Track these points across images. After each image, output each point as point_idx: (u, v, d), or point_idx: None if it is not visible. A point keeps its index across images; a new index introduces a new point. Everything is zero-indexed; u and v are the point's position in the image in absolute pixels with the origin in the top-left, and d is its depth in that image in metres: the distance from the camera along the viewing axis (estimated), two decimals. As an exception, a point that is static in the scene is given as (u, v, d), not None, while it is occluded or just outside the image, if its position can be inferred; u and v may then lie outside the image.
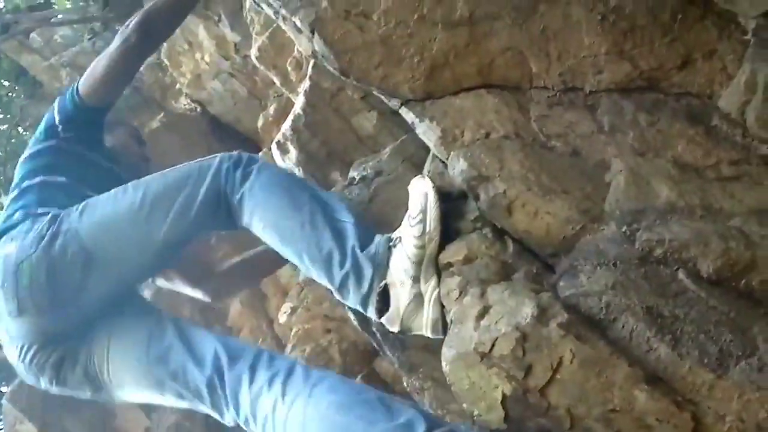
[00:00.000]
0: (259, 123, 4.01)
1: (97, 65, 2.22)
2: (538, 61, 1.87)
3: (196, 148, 5.25)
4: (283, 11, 2.07)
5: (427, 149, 2.03)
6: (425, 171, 1.99)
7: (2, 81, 13.22)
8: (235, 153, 1.95)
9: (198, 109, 5.75)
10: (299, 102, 2.55)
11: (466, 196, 1.78)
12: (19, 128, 14.26)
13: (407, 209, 1.81)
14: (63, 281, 1.89)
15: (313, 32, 2.00)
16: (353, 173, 2.25)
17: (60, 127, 2.25)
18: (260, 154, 2.02)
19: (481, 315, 1.50)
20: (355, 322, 2.08)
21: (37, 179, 2.19)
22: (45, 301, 1.89)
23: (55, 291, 1.89)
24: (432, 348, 1.84)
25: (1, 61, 12.45)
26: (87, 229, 1.91)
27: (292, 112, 2.60)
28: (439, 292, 1.68)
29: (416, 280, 1.70)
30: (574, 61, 1.84)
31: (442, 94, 1.95)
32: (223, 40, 4.93)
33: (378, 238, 1.78)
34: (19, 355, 1.97)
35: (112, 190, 1.98)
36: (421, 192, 1.76)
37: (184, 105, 5.88)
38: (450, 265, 1.68)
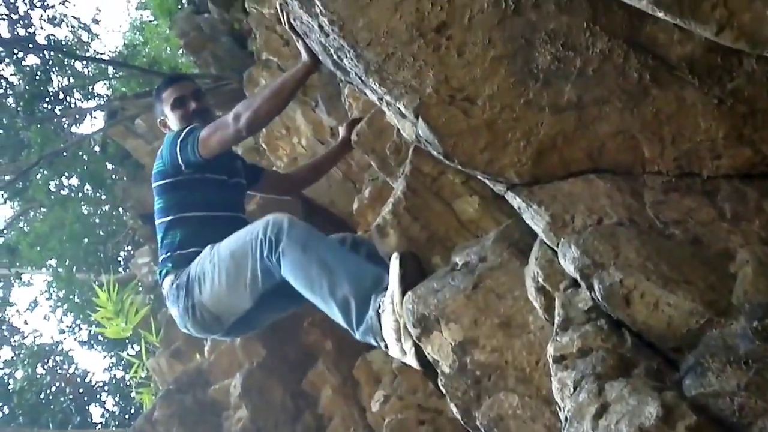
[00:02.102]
0: (355, 206, 4.02)
1: (214, 139, 2.84)
2: (651, 146, 1.81)
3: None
4: (387, 97, 2.09)
5: (534, 235, 1.97)
6: (532, 258, 1.93)
7: (107, 164, 13.91)
8: (267, 232, 2.52)
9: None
10: (399, 186, 2.54)
11: (578, 284, 1.70)
12: (120, 209, 14.87)
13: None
14: (213, 330, 2.89)
15: (417, 117, 2.00)
16: (455, 258, 2.21)
17: (183, 167, 2.92)
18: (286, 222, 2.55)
19: (600, 414, 1.40)
20: (458, 415, 1.99)
21: (173, 217, 2.99)
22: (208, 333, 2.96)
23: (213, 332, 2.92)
24: (541, 445, 1.74)
25: (108, 145, 13.13)
26: (208, 301, 2.72)
27: (392, 195, 2.59)
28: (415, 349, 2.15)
29: (399, 340, 2.21)
30: (690, 145, 1.77)
31: (550, 178, 1.91)
32: (320, 125, 5.04)
33: (372, 311, 2.30)
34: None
35: (211, 271, 2.70)
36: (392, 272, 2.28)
37: (280, 188, 6.00)
38: (563, 357, 1.59)
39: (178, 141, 2.91)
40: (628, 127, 1.82)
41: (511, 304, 1.98)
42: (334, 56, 2.30)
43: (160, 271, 2.97)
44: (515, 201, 1.96)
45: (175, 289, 2.79)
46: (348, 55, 2.15)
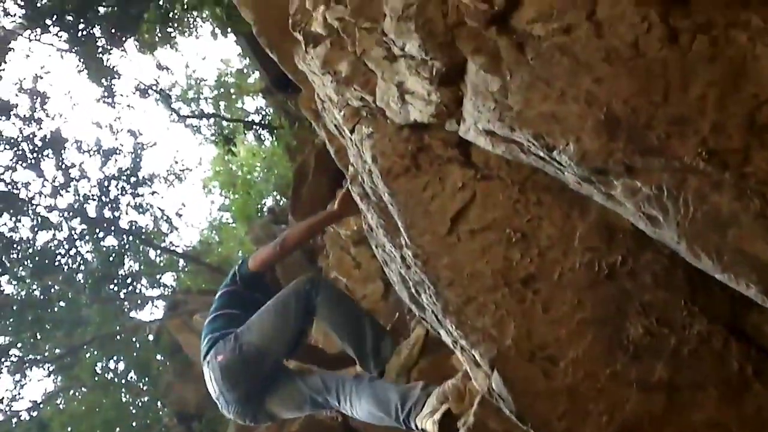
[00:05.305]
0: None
1: (258, 257, 3.73)
2: (751, 446, 1.63)
3: None
4: (462, 342, 1.99)
5: None
6: None
7: (157, 355, 13.90)
8: (307, 287, 3.32)
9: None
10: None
11: None
12: (159, 403, 14.59)
13: None
14: (251, 370, 3.30)
15: (493, 369, 1.88)
16: None
17: (238, 277, 3.71)
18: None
19: None
20: None
21: (221, 312, 3.60)
22: (240, 383, 3.31)
23: (247, 378, 3.31)
24: None
25: (162, 335, 13.21)
26: (256, 338, 3.28)
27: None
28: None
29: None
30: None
31: (634, 464, 1.72)
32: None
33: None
34: (227, 409, 3.40)
35: (258, 316, 3.35)
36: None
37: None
38: None
39: (237, 265, 3.84)
40: (725, 420, 1.65)
41: None
42: (412, 290, 2.25)
43: (208, 346, 3.45)
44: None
45: (223, 343, 3.32)
46: (427, 291, 2.10)
